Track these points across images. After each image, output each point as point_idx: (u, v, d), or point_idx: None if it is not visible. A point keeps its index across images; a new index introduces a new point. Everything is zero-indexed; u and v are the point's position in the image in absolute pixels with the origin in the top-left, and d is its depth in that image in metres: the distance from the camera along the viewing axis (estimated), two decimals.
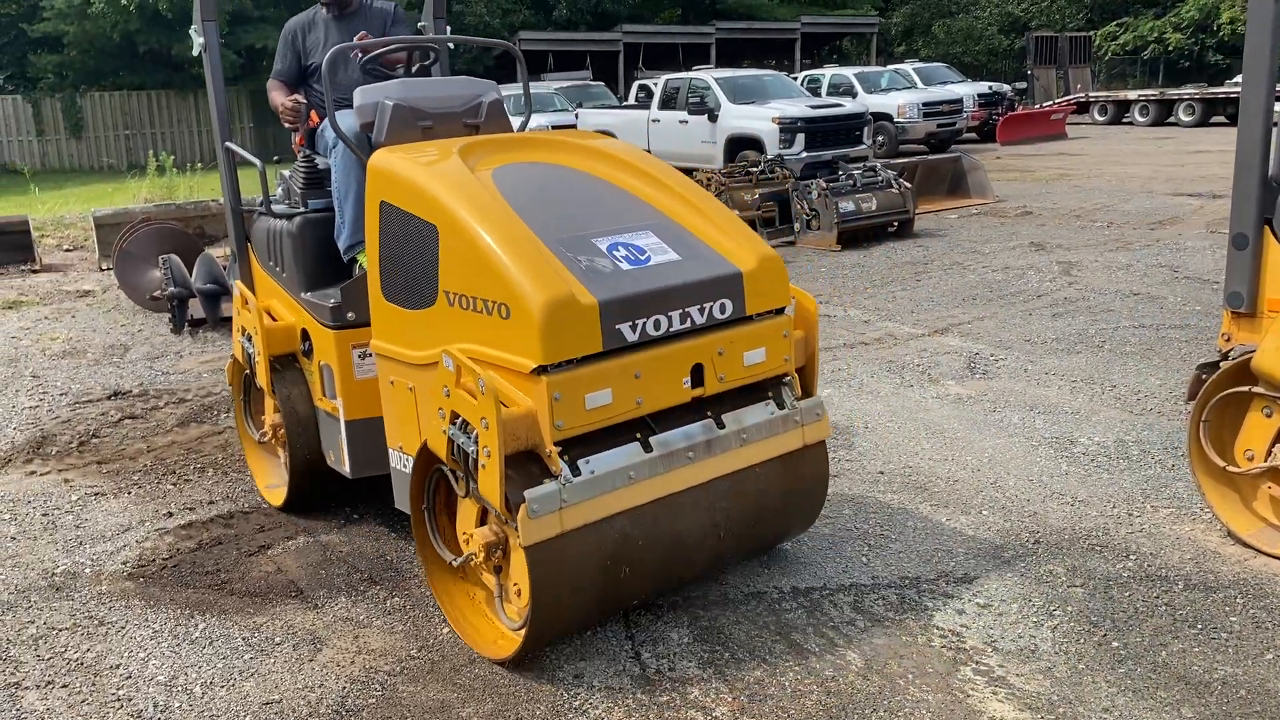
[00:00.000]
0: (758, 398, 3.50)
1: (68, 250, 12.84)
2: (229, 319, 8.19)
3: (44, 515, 4.64)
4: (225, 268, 8.24)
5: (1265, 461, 3.76)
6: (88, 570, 4.10)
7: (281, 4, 30.97)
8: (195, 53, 4.62)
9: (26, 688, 3.28)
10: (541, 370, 2.95)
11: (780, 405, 3.52)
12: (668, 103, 17.77)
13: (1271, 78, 3.69)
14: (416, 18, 5.40)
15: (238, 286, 4.68)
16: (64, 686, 3.28)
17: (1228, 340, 3.96)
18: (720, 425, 3.35)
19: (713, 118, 16.60)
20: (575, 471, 3.04)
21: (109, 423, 5.96)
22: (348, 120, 4.07)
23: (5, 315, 9.09)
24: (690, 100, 17.11)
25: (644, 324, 3.11)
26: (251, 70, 29.67)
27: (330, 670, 3.32)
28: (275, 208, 4.46)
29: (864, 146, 16.53)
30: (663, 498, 3.21)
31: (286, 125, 4.61)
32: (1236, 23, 36.14)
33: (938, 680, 3.12)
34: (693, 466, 3.27)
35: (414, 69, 4.64)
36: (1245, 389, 3.79)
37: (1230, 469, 3.88)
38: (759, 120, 15.93)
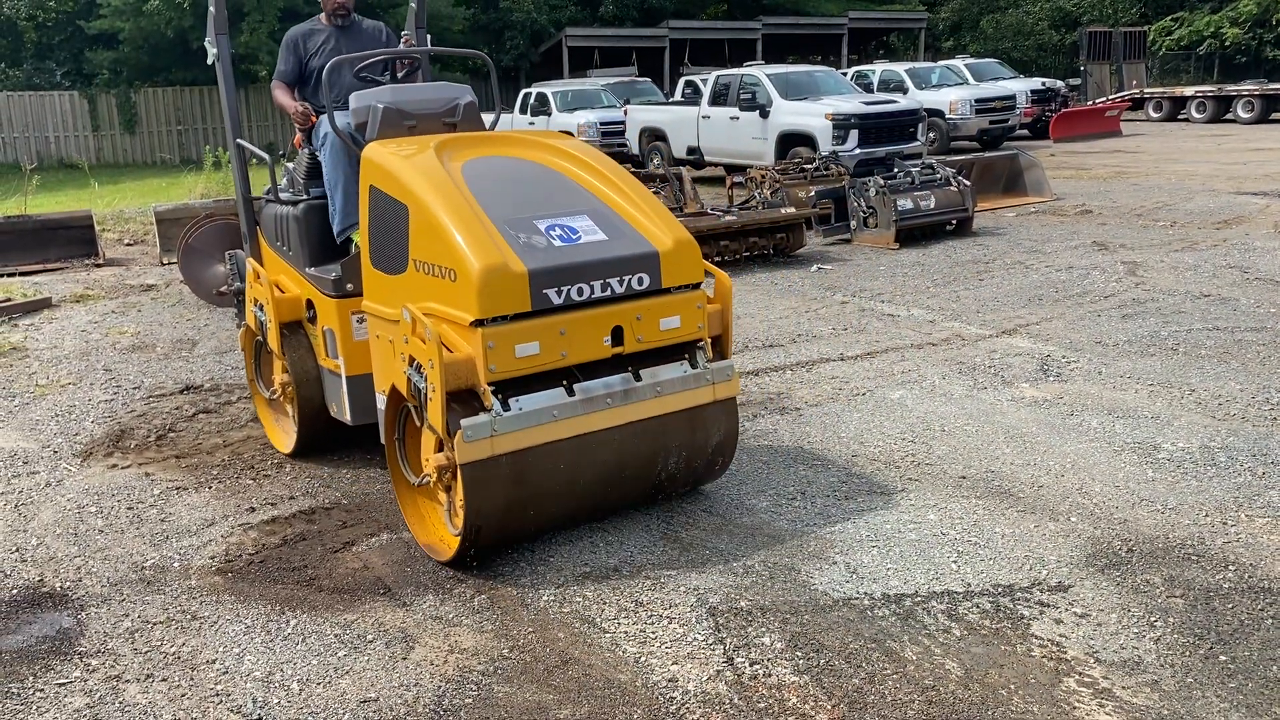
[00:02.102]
0: (674, 358, 4.13)
1: (129, 245, 13.03)
2: None
3: (129, 509, 4.71)
4: None
5: None
6: (176, 564, 4.14)
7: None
8: (209, 61, 5.33)
9: (127, 681, 3.32)
10: (478, 323, 3.62)
11: (694, 365, 4.15)
12: (718, 99, 17.68)
13: None
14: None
15: (250, 263, 5.39)
16: (163, 680, 3.32)
17: None
18: (638, 379, 4.00)
19: (764, 114, 16.50)
20: (506, 407, 3.71)
21: (184, 417, 6.04)
22: (343, 119, 4.75)
23: (74, 309, 9.23)
24: (741, 96, 17.00)
25: (568, 290, 3.76)
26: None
27: (424, 669, 3.33)
28: (282, 195, 5.17)
29: (918, 143, 16.34)
30: (583, 435, 3.86)
31: (297, 125, 5.20)
32: None
33: (1041, 691, 3.07)
34: (611, 411, 3.92)
35: (401, 76, 5.30)
36: None
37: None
38: (812, 116, 15.80)
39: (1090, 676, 3.13)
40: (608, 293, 3.86)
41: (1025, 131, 23.86)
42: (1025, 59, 39.55)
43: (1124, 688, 3.07)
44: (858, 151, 15.18)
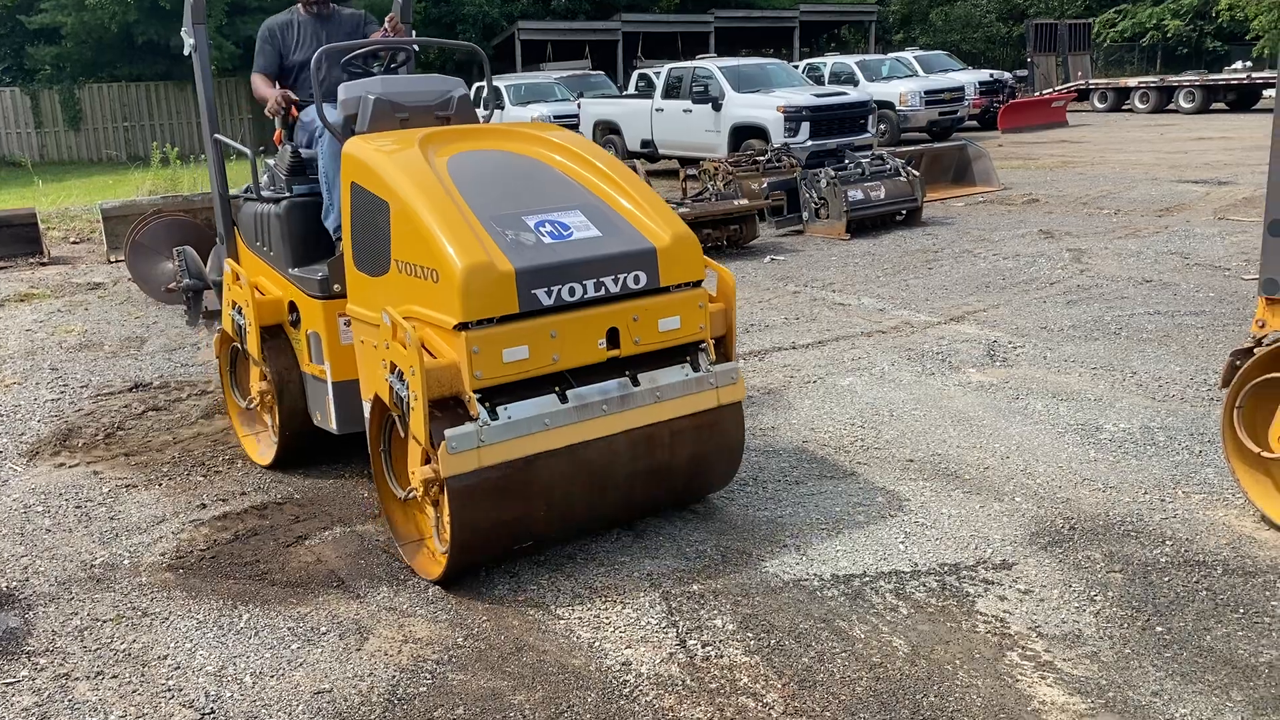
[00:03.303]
0: (674, 361, 3.91)
1: (75, 243, 12.80)
2: None
3: (77, 507, 4.65)
4: None
5: None
6: (126, 562, 4.11)
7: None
8: (186, 53, 5.10)
9: (77, 678, 3.29)
10: (462, 327, 3.42)
11: (695, 368, 3.93)
12: (671, 92, 17.73)
13: None
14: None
15: (228, 264, 5.07)
16: (114, 677, 3.29)
17: (1262, 326, 3.97)
18: (635, 383, 3.78)
19: (717, 106, 16.57)
20: (494, 416, 3.49)
21: (133, 415, 5.97)
22: (332, 113, 4.53)
23: (18, 308, 9.07)
24: (694, 89, 17.07)
25: (559, 290, 3.55)
26: (249, 61, 29.52)
27: (379, 659, 3.33)
28: (263, 193, 4.91)
29: (869, 135, 16.51)
30: (577, 444, 3.63)
31: (275, 117, 5.00)
32: (1235, 9, 36.12)
33: (985, 665, 3.14)
34: (607, 418, 3.70)
35: (391, 67, 5.09)
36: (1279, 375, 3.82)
37: (1264, 454, 3.90)
38: (764, 109, 15.90)
39: (1033, 650, 3.22)
40: (602, 292, 3.65)
41: (974, 122, 24.19)
42: (974, 51, 40.06)
43: (1065, 660, 3.16)
44: (809, 143, 15.31)
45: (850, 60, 24.13)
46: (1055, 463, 4.67)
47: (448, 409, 3.49)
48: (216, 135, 5.16)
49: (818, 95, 16.37)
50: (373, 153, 3.91)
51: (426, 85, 4.54)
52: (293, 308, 4.70)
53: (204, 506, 4.62)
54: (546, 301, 3.54)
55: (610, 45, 33.00)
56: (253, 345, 4.80)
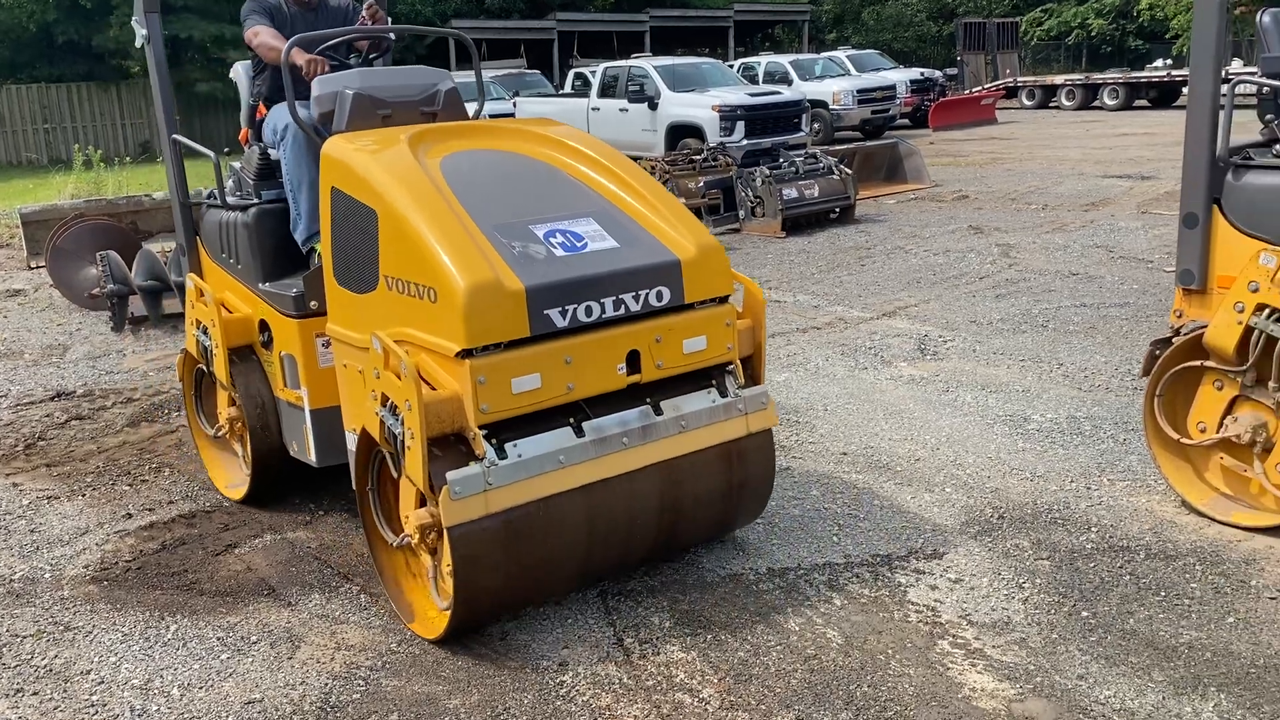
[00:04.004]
0: (700, 385, 3.54)
1: None
2: (172, 316, 8.05)
3: None
4: (166, 263, 8.06)
5: (1217, 433, 3.89)
6: (47, 575, 3.99)
7: None
8: (139, 44, 4.64)
9: None
10: (466, 354, 3.03)
11: (723, 393, 3.56)
12: (606, 91, 17.73)
13: (1218, 64, 3.80)
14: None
15: (191, 279, 4.63)
16: (34, 694, 3.20)
17: (1180, 316, 4.08)
18: (658, 412, 3.41)
19: (653, 106, 16.61)
20: (502, 454, 3.10)
21: (55, 424, 5.81)
22: (304, 110, 4.10)
23: None
24: (630, 88, 17.10)
25: (575, 310, 3.17)
26: (175, 62, 28.92)
27: (311, 667, 3.28)
28: (229, 199, 4.45)
29: (803, 134, 16.67)
30: (595, 483, 3.25)
31: (307, 77, 4.17)
32: (1155, 8, 37.10)
33: (917, 654, 3.18)
34: (628, 452, 3.32)
35: (371, 58, 4.64)
36: (1197, 364, 3.92)
37: (1184, 441, 4.01)
38: (699, 108, 15.97)
39: (963, 638, 3.27)
40: (621, 311, 3.26)
41: (906, 120, 24.51)
42: (905, 50, 40.62)
43: (994, 647, 3.21)
44: (745, 142, 15.41)
45: (784, 60, 24.32)
46: (984, 453, 4.76)
47: (448, 446, 3.11)
48: (175, 135, 4.70)
49: (752, 95, 16.49)
50: (356, 153, 3.50)
51: (410, 78, 4.14)
52: (264, 327, 4.27)
53: (130, 516, 4.51)
54: (561, 323, 3.14)
55: (546, 44, 32.88)
56: (220, 368, 4.36)
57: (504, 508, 3.08)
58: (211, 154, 4.37)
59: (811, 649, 3.24)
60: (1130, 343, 6.35)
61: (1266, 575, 3.55)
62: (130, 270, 8.01)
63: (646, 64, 17.47)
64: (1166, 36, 36.89)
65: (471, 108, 4.61)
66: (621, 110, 17.18)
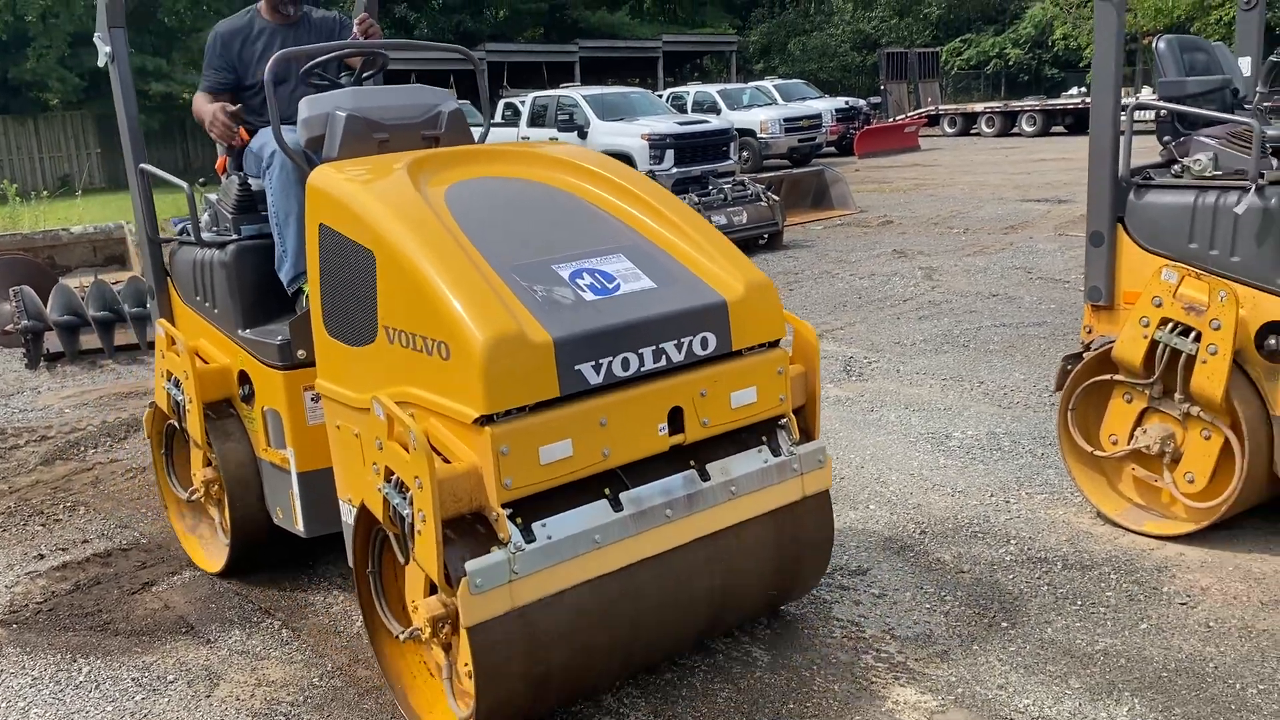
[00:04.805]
0: (749, 443, 3.10)
1: None
2: (88, 352, 7.86)
3: None
4: (83, 298, 7.89)
5: (1128, 445, 4.00)
6: None
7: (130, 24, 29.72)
8: (101, 63, 4.21)
9: None
10: (485, 420, 2.57)
11: (775, 452, 3.12)
12: (536, 120, 17.82)
13: (1118, 87, 3.96)
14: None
15: (161, 325, 4.20)
16: None
17: (1089, 332, 4.21)
18: (704, 476, 2.96)
19: (582, 135, 16.71)
20: (529, 536, 2.64)
21: None
22: (291, 135, 3.67)
23: None
24: (559, 118, 17.21)
25: (609, 364, 2.72)
26: (95, 92, 28.39)
27: (229, 705, 3.20)
28: (204, 235, 4.01)
29: (731, 161, 16.89)
30: (636, 564, 2.81)
31: (218, 140, 4.11)
32: (1069, 38, 38.35)
33: (842, 670, 3.21)
34: (672, 526, 2.87)
35: (364, 77, 4.17)
36: (1107, 377, 4.04)
37: (1097, 453, 4.12)
38: (629, 137, 16.11)
39: (886, 652, 3.31)
40: (662, 362, 2.83)
41: (832, 148, 24.97)
42: (830, 79, 41.42)
43: (916, 660, 3.25)
44: (674, 170, 15.56)
45: (712, 89, 24.65)
46: (907, 470, 4.83)
47: (465, 526, 2.67)
48: (143, 165, 4.24)
49: (681, 124, 16.68)
50: (348, 185, 3.06)
51: (409, 98, 3.70)
52: (244, 379, 3.82)
53: (42, 557, 4.37)
54: (594, 379, 2.70)
55: (471, 74, 32.90)
56: (194, 426, 3.88)
57: (532, 599, 2.63)
58: (184, 184, 3.99)
59: (738, 668, 3.25)
60: (1048, 360, 6.51)
61: (1177, 582, 3.65)
62: (46, 306, 7.81)
63: (575, 93, 17.61)
64: (1080, 65, 38.06)
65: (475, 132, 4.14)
66: (551, 139, 17.24)
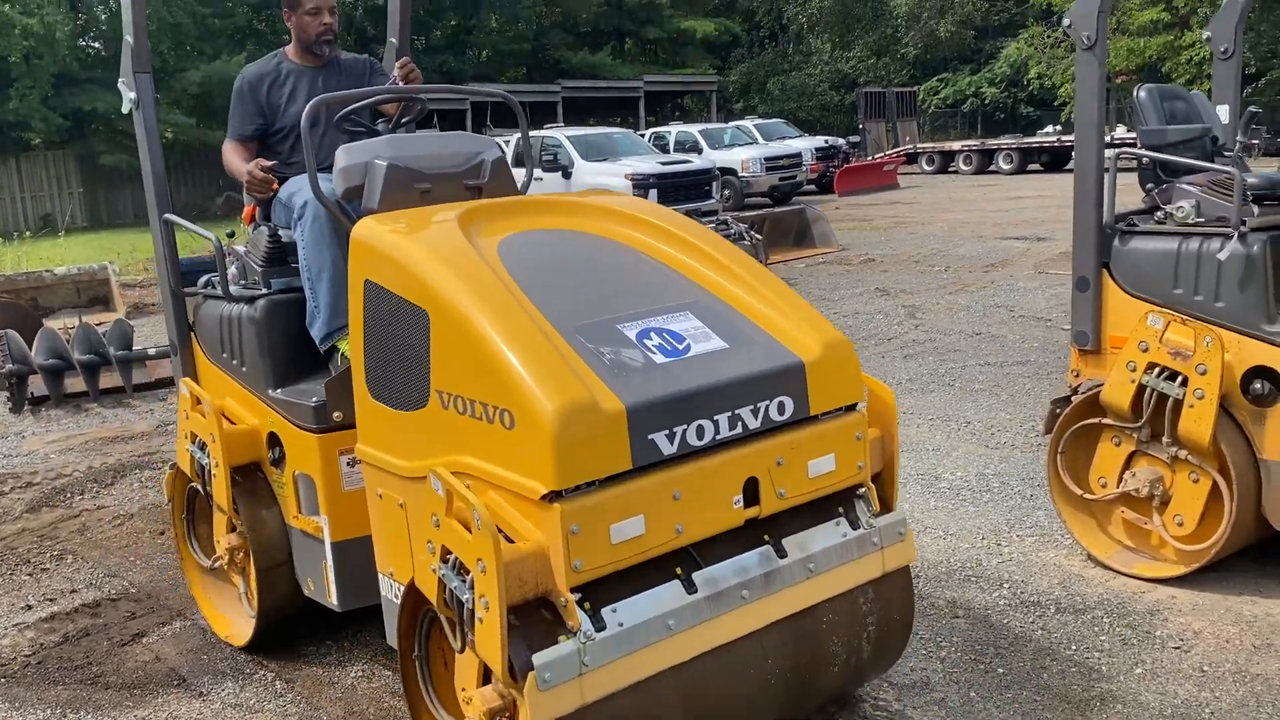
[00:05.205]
0: (826, 515, 2.91)
1: None
2: (74, 395, 7.80)
3: None
4: (69, 341, 7.85)
5: (1117, 487, 4.04)
6: None
7: (109, 65, 29.87)
8: (125, 110, 4.08)
9: None
10: (554, 496, 2.38)
11: (854, 524, 2.92)
12: (520, 161, 17.90)
13: (1100, 136, 4.04)
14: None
15: (186, 384, 4.00)
16: None
17: (1077, 376, 4.26)
18: (781, 553, 2.76)
19: (566, 175, 16.84)
20: (599, 623, 2.43)
21: None
22: (326, 183, 3.52)
23: None
24: (544, 158, 17.31)
25: (684, 432, 2.54)
26: (79, 134, 28.48)
27: None
28: (232, 289, 3.84)
29: (714, 200, 17.05)
30: (711, 650, 2.60)
31: (254, 197, 3.97)
32: (1044, 77, 39.02)
33: (840, 718, 3.21)
34: (749, 608, 2.67)
35: (402, 122, 3.95)
36: (1096, 421, 4.09)
37: (1086, 496, 4.16)
38: (612, 177, 16.23)
39: (884, 700, 3.31)
40: (738, 430, 2.65)
41: (812, 186, 25.20)
42: (810, 118, 41.91)
43: (914, 708, 3.26)
44: None
45: (694, 129, 24.91)
46: None
47: (529, 611, 2.45)
48: (168, 215, 4.07)
49: (664, 163, 16.86)
50: (399, 239, 2.86)
51: (450, 146, 3.53)
52: (274, 441, 3.63)
53: (29, 608, 4.33)
54: (668, 449, 2.52)
55: (459, 114, 33.06)
56: (220, 492, 3.67)
57: (604, 694, 2.41)
58: (212, 236, 3.80)
59: None
60: (1033, 400, 6.57)
61: (1170, 626, 3.68)
62: (31, 349, 7.77)
63: (560, 134, 17.76)
64: (1055, 104, 38.75)
65: (520, 178, 3.96)
66: (536, 180, 17.33)
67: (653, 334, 2.72)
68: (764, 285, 2.99)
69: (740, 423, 2.64)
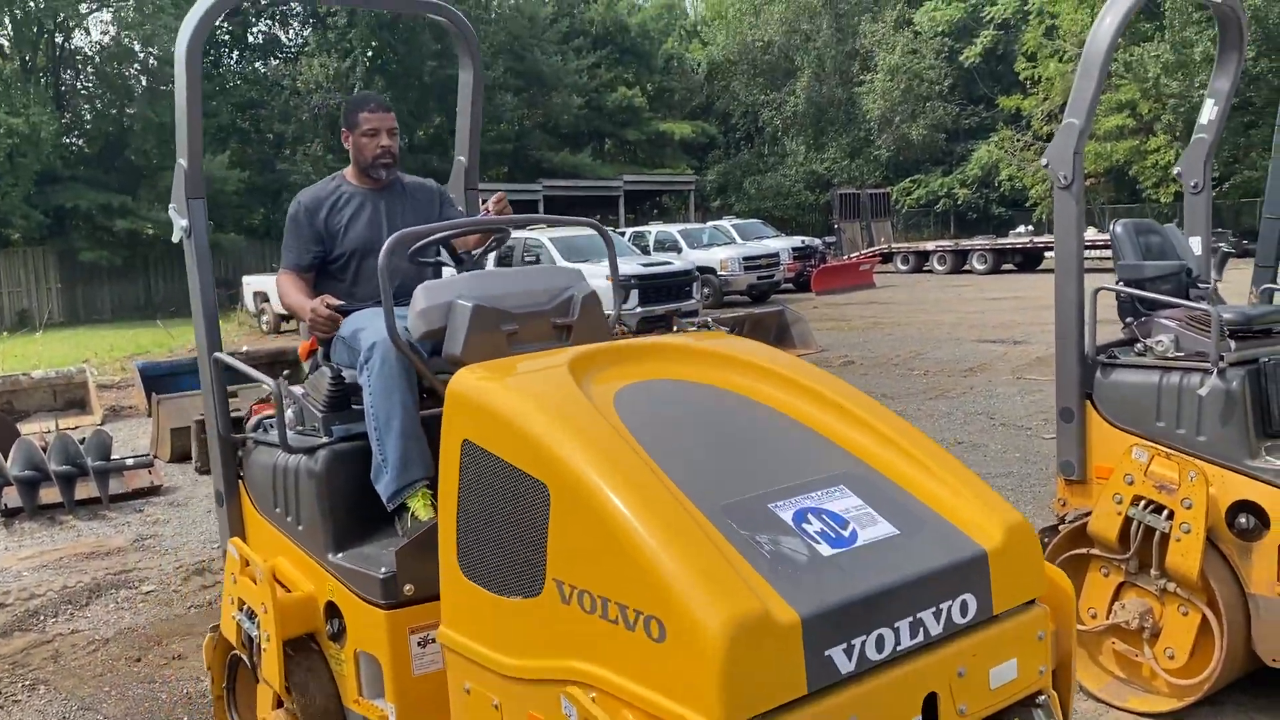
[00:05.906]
0: None
1: None
2: (48, 507, 7.69)
3: None
4: (45, 450, 7.77)
5: (1107, 619, 4.04)
6: None
7: (92, 163, 30.22)
8: (176, 239, 3.65)
9: None
10: None
11: None
12: (502, 261, 18.07)
13: (1080, 269, 4.14)
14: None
15: (234, 544, 3.52)
16: None
17: (1064, 505, 4.29)
18: None
19: None
20: None
21: None
22: (399, 322, 3.11)
23: None
24: (525, 259, 17.51)
25: (863, 644, 2.07)
26: (59, 230, 28.59)
27: None
28: (289, 437, 3.36)
29: (694, 300, 17.26)
30: None
31: (319, 335, 3.61)
32: (1014, 179, 40.12)
33: None
34: None
35: (476, 254, 3.73)
36: (1084, 551, 4.10)
37: (1076, 627, 4.14)
38: (594, 278, 16.22)
39: None
40: (919, 637, 2.16)
41: (790, 285, 25.59)
42: (785, 216, 42.75)
43: None
44: (639, 310, 15.86)
45: (674, 229, 25.38)
46: None
47: None
48: (218, 354, 3.60)
49: (645, 264, 17.10)
50: (506, 394, 2.46)
51: (536, 281, 3.20)
52: (333, 610, 3.17)
53: None
54: (846, 667, 2.05)
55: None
56: (271, 669, 3.19)
57: None
58: (269, 381, 3.30)
59: None
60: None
61: None
62: (6, 459, 7.68)
63: (541, 235, 17.98)
64: (1026, 204, 39.74)
65: (611, 314, 3.60)
66: None
67: (810, 515, 2.25)
68: (920, 449, 2.50)
69: (922, 629, 2.17)
